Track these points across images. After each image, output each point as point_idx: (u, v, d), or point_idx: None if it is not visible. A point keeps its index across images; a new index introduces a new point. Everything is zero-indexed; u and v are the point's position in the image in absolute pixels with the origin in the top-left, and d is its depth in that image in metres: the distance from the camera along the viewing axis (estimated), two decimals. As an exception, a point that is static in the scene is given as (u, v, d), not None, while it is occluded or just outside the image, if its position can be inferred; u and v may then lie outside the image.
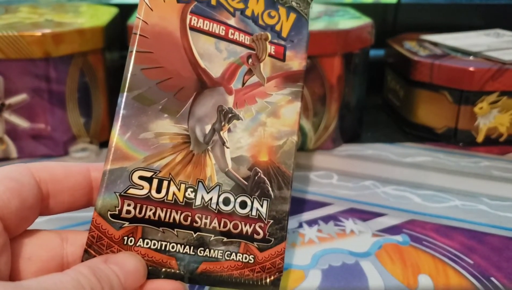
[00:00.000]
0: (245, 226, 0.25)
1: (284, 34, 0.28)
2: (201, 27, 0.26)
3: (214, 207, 0.24)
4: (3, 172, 0.21)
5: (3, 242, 0.20)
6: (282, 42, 0.28)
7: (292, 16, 0.28)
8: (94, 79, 0.48)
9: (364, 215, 0.38)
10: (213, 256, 0.24)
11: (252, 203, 0.25)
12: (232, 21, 0.27)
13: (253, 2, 0.28)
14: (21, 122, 0.46)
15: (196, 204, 0.24)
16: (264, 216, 0.25)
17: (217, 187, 0.25)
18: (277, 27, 0.28)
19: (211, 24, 0.27)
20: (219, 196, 0.25)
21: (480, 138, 0.50)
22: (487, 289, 0.30)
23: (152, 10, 0.26)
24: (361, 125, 0.54)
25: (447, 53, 0.53)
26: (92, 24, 0.47)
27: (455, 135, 0.51)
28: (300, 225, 0.37)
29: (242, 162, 0.26)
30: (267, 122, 0.26)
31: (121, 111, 0.24)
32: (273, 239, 0.25)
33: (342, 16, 0.52)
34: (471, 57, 0.52)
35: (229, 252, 0.24)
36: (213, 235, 0.24)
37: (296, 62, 0.28)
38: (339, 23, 0.48)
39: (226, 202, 0.25)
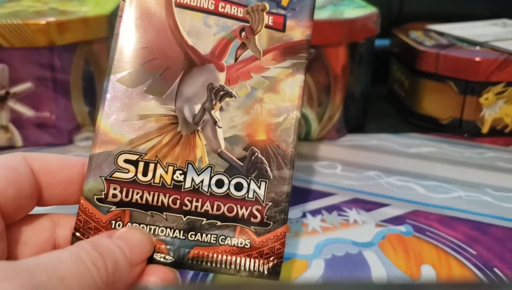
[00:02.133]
0: (241, 209, 0.24)
1: (285, 2, 0.26)
2: (188, 3, 0.25)
3: (206, 190, 0.23)
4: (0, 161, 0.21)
5: (0, 229, 0.20)
6: (282, 12, 0.26)
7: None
8: (98, 68, 0.48)
9: (368, 205, 0.38)
10: (205, 240, 0.23)
11: (249, 184, 0.24)
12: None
13: None
14: (26, 111, 0.46)
15: (186, 186, 0.23)
16: (262, 198, 0.24)
17: (209, 168, 0.24)
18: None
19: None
20: (211, 178, 0.24)
21: (485, 129, 0.50)
22: (490, 280, 0.30)
23: None
24: (366, 116, 0.54)
25: (453, 43, 0.53)
26: (96, 13, 0.47)
27: (460, 125, 0.50)
28: (304, 215, 0.37)
29: (236, 141, 0.24)
30: (265, 98, 0.25)
31: (106, 95, 0.24)
32: (272, 223, 0.24)
33: (347, 5, 0.51)
34: (477, 47, 0.51)
35: (223, 237, 0.23)
36: (205, 219, 0.23)
37: (298, 31, 0.26)
38: (344, 12, 0.48)
39: (219, 184, 0.24)
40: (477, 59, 0.48)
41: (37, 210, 0.23)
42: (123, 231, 0.22)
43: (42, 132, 0.46)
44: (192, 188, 0.23)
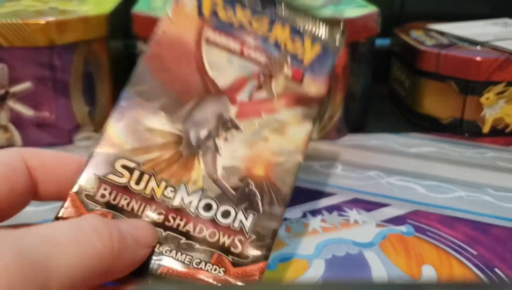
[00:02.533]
0: (223, 236, 0.23)
1: (306, 62, 0.28)
2: (217, 41, 0.27)
3: (193, 211, 0.24)
4: None
5: None
6: (302, 68, 0.27)
7: (318, 46, 0.28)
8: (98, 68, 0.48)
9: (368, 205, 0.38)
10: (180, 259, 0.23)
11: (237, 214, 0.24)
12: (251, 41, 0.27)
13: (278, 29, 0.28)
14: (26, 111, 0.46)
15: (174, 204, 0.24)
16: (247, 230, 0.24)
17: (200, 191, 0.24)
18: (299, 56, 0.28)
19: (228, 40, 0.27)
20: (200, 200, 0.24)
21: (486, 129, 0.50)
22: (491, 280, 0.30)
23: (173, 22, 0.27)
24: (366, 115, 0.53)
25: (453, 42, 0.52)
26: (96, 12, 0.47)
27: (460, 125, 0.50)
28: (304, 215, 0.37)
29: (234, 172, 0.25)
30: (270, 138, 0.26)
31: (121, 102, 0.25)
32: (251, 256, 0.23)
33: (347, 4, 0.51)
34: (478, 47, 0.51)
35: (198, 260, 0.23)
36: (184, 238, 0.23)
37: (314, 87, 0.27)
38: (345, 11, 0.48)
39: (207, 208, 0.24)
40: (478, 58, 0.48)
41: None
42: (125, 219, 0.22)
43: (41, 131, 0.46)
44: (179, 206, 0.24)
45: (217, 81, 0.26)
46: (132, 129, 0.25)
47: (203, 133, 0.25)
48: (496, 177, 0.42)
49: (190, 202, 0.24)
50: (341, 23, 0.29)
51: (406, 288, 0.13)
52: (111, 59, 0.49)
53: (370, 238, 0.34)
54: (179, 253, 0.23)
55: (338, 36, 0.29)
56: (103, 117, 0.49)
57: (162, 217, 0.23)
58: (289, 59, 0.27)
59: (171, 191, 0.24)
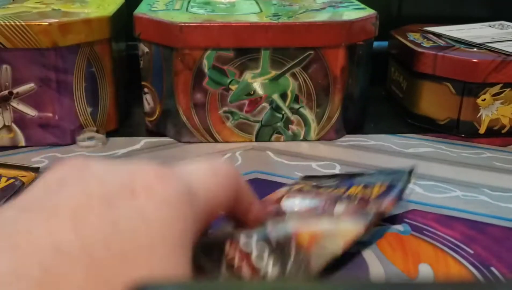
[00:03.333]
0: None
1: (373, 197, 0.33)
2: (295, 195, 0.34)
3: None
4: (228, 170, 0.23)
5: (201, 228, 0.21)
6: (368, 201, 0.32)
7: (384, 186, 0.34)
8: (101, 69, 0.48)
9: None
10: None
11: (267, 260, 0.26)
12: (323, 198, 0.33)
13: (354, 188, 0.34)
14: (29, 111, 0.46)
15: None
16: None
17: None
18: (366, 196, 0.33)
19: (305, 195, 0.34)
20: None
21: (482, 130, 0.51)
22: (487, 279, 0.31)
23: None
24: (364, 116, 0.54)
25: (450, 44, 0.53)
26: (98, 14, 0.47)
27: (457, 126, 0.51)
28: (303, 214, 0.37)
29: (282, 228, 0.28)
30: (322, 219, 0.30)
31: None
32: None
33: (346, 7, 0.52)
34: (474, 49, 0.52)
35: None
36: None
37: (373, 207, 0.31)
38: (343, 14, 0.49)
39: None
40: (475, 60, 0.48)
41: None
42: None
43: (45, 132, 0.47)
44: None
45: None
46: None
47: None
48: (492, 177, 0.43)
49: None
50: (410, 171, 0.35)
51: (403, 287, 0.13)
52: (114, 61, 0.50)
53: (368, 237, 0.35)
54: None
55: (405, 177, 0.35)
56: (105, 117, 0.50)
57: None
58: (357, 199, 0.32)
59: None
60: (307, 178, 0.40)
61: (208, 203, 0.21)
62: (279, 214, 0.31)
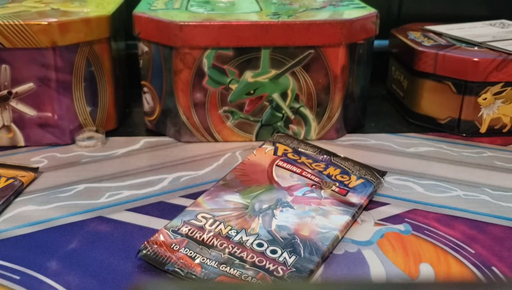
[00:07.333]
0: (269, 263, 0.30)
1: (351, 186, 0.39)
2: (284, 166, 0.41)
3: (248, 245, 0.32)
4: None
5: None
6: (347, 188, 0.38)
7: (361, 180, 0.39)
8: (100, 68, 0.48)
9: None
10: (231, 273, 0.30)
11: (282, 253, 0.31)
12: (308, 170, 0.40)
13: (332, 169, 0.41)
14: (28, 111, 0.46)
15: (234, 239, 0.32)
16: (289, 264, 0.30)
17: (256, 235, 0.33)
18: (345, 182, 0.39)
19: (292, 166, 0.41)
20: (255, 240, 0.32)
21: (483, 129, 0.50)
22: (488, 278, 0.31)
23: (255, 155, 0.42)
24: (365, 115, 0.54)
25: (451, 43, 0.53)
26: (97, 13, 0.47)
27: (458, 125, 0.51)
28: (304, 214, 0.37)
29: (284, 229, 0.34)
30: (316, 217, 0.35)
31: (211, 188, 0.38)
32: (290, 280, 0.29)
33: (347, 6, 0.52)
34: (475, 48, 0.52)
35: (246, 275, 0.29)
36: (238, 260, 0.30)
37: (355, 198, 0.37)
38: (344, 13, 0.48)
39: (260, 245, 0.32)
40: (475, 59, 0.48)
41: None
42: None
43: (44, 131, 0.47)
44: (238, 241, 0.32)
45: (280, 183, 0.39)
46: (214, 200, 0.36)
47: (265, 206, 0.36)
48: (493, 176, 0.43)
49: (247, 240, 0.32)
50: (382, 178, 0.41)
51: (404, 287, 0.13)
52: (113, 60, 0.49)
53: (369, 237, 0.35)
54: (232, 269, 0.30)
55: (379, 180, 0.40)
56: (104, 117, 0.50)
57: (224, 245, 0.32)
58: (337, 183, 0.39)
59: (234, 232, 0.33)
60: (283, 137, 0.45)
61: None
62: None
